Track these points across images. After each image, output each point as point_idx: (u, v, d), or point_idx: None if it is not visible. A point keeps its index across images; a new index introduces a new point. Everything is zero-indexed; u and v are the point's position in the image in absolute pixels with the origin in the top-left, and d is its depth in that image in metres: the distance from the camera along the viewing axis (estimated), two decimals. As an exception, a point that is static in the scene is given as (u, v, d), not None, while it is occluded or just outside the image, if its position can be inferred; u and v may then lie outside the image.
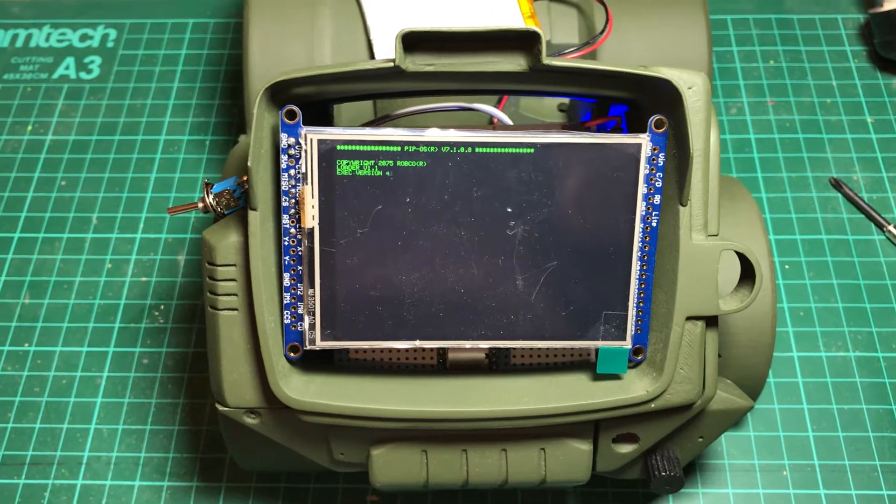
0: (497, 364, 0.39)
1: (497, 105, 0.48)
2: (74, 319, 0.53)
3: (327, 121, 0.41)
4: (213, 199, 0.38)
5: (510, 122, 0.47)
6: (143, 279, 0.54)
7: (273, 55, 0.48)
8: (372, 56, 0.48)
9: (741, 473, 0.47)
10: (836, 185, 0.56)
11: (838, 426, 0.48)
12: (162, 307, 0.53)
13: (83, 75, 0.63)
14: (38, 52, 0.64)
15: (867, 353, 0.50)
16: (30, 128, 0.60)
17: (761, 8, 0.64)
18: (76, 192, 0.58)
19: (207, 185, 0.39)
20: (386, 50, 0.48)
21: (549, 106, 0.50)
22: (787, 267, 0.53)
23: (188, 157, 0.59)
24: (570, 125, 0.40)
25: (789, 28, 0.63)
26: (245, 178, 0.38)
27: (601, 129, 0.39)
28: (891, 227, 0.54)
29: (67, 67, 0.63)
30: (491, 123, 0.48)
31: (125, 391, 0.50)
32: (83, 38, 0.65)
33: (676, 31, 0.50)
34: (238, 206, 0.39)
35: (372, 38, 0.48)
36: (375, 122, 0.44)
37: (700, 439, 0.41)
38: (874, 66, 0.61)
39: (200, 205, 0.39)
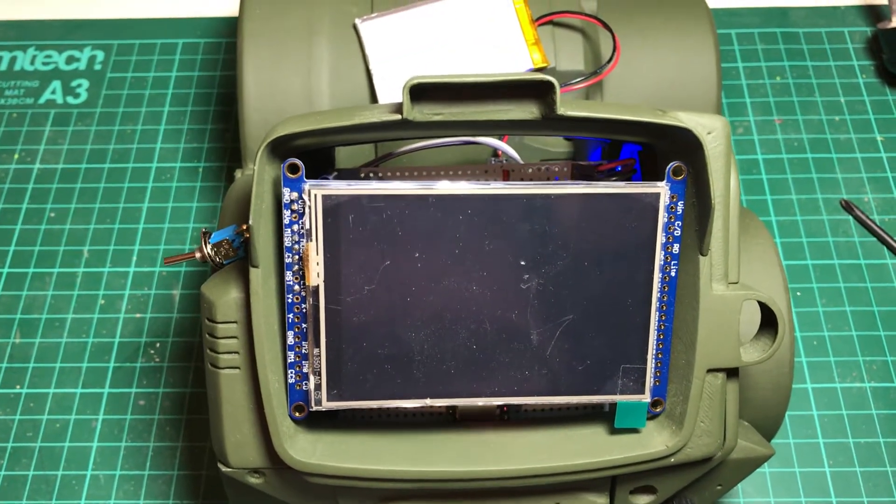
0: (509, 414, 0.38)
1: (501, 137, 0.47)
2: (67, 359, 0.51)
3: (328, 162, 0.39)
4: (211, 249, 0.37)
5: (516, 155, 0.45)
6: (138, 315, 0.53)
7: (268, 86, 0.46)
8: (372, 87, 0.46)
9: (757, 512, 0.46)
10: (848, 207, 0.55)
11: (855, 461, 0.47)
12: (158, 345, 0.52)
13: (70, 100, 0.61)
14: (23, 75, 0.62)
15: (883, 384, 0.49)
16: (16, 156, 0.59)
17: (766, 22, 0.63)
18: (66, 224, 0.56)
19: (205, 235, 0.37)
20: (385, 81, 0.46)
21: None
22: (798, 294, 0.52)
23: (181, 185, 0.57)
24: (580, 165, 0.39)
25: (795, 42, 0.62)
26: (245, 227, 0.37)
27: (613, 172, 0.37)
28: (904, 251, 0.53)
29: (54, 91, 0.61)
30: (495, 155, 0.47)
31: (122, 434, 0.49)
32: (69, 60, 0.63)
33: (685, 55, 0.49)
34: (237, 257, 0.37)
35: (371, 68, 0.46)
36: (377, 161, 0.42)
37: (719, 487, 0.39)
38: (882, 81, 0.60)
39: (198, 255, 0.37)
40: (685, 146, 0.33)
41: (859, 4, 0.63)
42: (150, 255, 0.55)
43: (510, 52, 0.47)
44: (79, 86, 0.62)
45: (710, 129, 0.34)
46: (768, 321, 0.36)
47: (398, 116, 0.31)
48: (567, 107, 0.31)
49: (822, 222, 0.54)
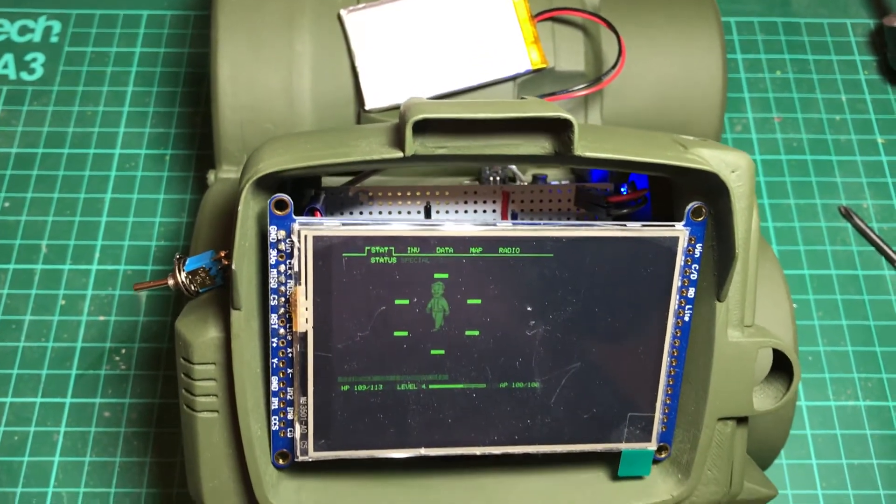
0: (505, 457, 0.35)
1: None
2: (25, 365, 0.48)
3: (314, 182, 0.36)
4: (186, 277, 0.34)
5: (512, 166, 0.42)
6: (101, 318, 0.49)
7: (245, 83, 0.42)
8: (357, 85, 0.43)
9: (749, 536, 0.45)
10: (847, 214, 0.53)
11: (848, 483, 0.46)
12: (123, 351, 0.48)
13: (24, 76, 0.56)
14: (-28, 46, 0.57)
15: (877, 403, 0.48)
16: (-35, 138, 0.54)
17: (768, 10, 0.60)
18: (22, 216, 0.52)
19: (179, 261, 0.34)
20: (372, 78, 0.43)
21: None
22: (795, 306, 0.50)
23: (146, 174, 0.53)
24: (586, 192, 0.36)
25: (796, 33, 0.59)
26: (223, 254, 0.34)
27: (623, 204, 0.35)
28: (902, 263, 0.51)
29: (6, 66, 0.57)
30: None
31: (86, 449, 0.46)
32: (23, 30, 0.58)
33: (690, 55, 0.46)
34: (214, 285, 0.34)
35: (357, 64, 0.43)
36: (366, 176, 0.39)
37: (719, 526, 0.38)
38: (884, 78, 0.58)
39: (171, 282, 0.34)
40: (707, 186, 0.31)
41: (862, -7, 0.61)
42: (113, 251, 0.51)
43: (507, 51, 0.43)
44: (33, 60, 0.57)
45: (734, 168, 0.31)
46: (780, 365, 0.34)
47: (400, 153, 0.28)
48: (585, 146, 0.29)
49: (820, 229, 0.53)
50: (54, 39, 0.58)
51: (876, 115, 0.56)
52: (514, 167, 0.42)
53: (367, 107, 0.42)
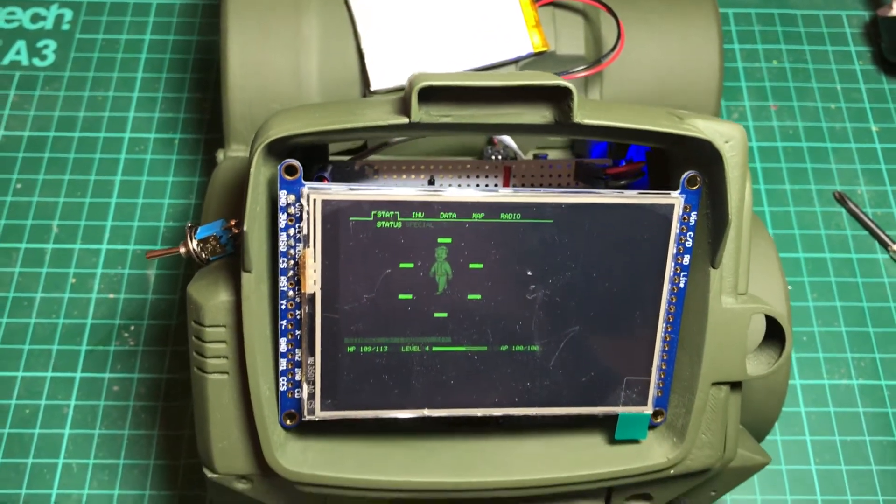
0: (504, 420, 0.37)
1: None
2: (37, 341, 0.49)
3: (322, 154, 0.37)
4: (197, 245, 0.35)
5: (514, 144, 0.44)
6: (111, 296, 0.50)
7: (254, 65, 0.44)
8: (363, 67, 0.44)
9: (743, 510, 0.46)
10: (841, 199, 0.54)
11: (841, 459, 0.47)
12: (132, 328, 0.49)
13: (37, 62, 0.58)
14: (-15, 33, 0.59)
15: (870, 381, 0.49)
16: (-21, 121, 0.55)
17: (765, 2, 0.61)
18: (34, 197, 0.53)
19: (191, 230, 0.35)
20: (377, 61, 0.44)
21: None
22: (790, 288, 0.51)
23: (155, 157, 0.55)
24: (585, 165, 0.37)
25: (793, 25, 0.60)
26: (233, 223, 0.35)
27: (621, 175, 0.36)
28: (895, 247, 0.52)
29: (18, 52, 0.58)
30: (491, 142, 0.45)
31: (95, 422, 0.47)
32: (35, 18, 0.59)
33: (687, 41, 0.47)
34: (224, 253, 0.35)
35: (363, 46, 0.44)
36: (371, 152, 0.40)
37: (713, 493, 0.39)
38: (879, 69, 0.59)
39: (182, 250, 0.35)
40: (702, 155, 0.32)
41: (857, -14, 0.62)
42: (123, 231, 0.52)
43: (509, 34, 0.44)
44: (45, 47, 0.58)
45: (727, 138, 0.32)
46: (773, 333, 0.35)
47: (405, 119, 0.29)
48: (584, 114, 0.30)
49: (814, 214, 0.54)
50: (66, 27, 0.59)
51: (870, 103, 0.57)
52: (515, 146, 0.43)
53: (373, 87, 0.44)
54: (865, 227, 0.53)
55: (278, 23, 0.44)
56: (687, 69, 0.47)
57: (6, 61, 0.57)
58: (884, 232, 0.53)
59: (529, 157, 0.44)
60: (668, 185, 0.34)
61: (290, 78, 0.44)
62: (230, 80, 0.43)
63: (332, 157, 0.38)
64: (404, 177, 0.37)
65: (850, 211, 0.54)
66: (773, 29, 0.60)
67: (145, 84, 0.57)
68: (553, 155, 0.44)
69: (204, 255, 0.35)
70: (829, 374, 0.49)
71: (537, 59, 0.45)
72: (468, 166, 0.38)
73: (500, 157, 0.43)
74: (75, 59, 0.58)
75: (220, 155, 0.44)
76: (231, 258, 0.35)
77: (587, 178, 0.37)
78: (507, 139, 0.43)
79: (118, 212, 0.53)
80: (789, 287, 0.51)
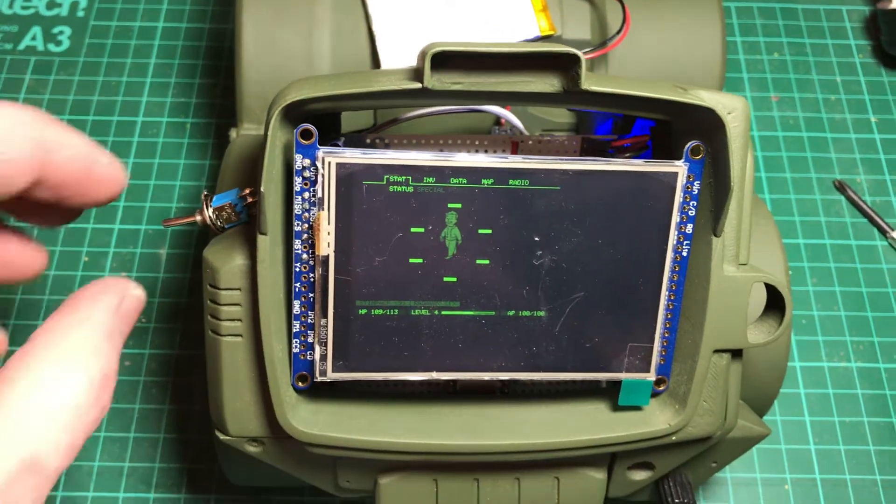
0: (510, 388, 0.37)
1: (504, 106, 0.46)
2: (49, 317, 0.50)
3: (334, 127, 0.38)
4: (213, 213, 0.36)
5: (520, 124, 0.44)
6: (123, 274, 0.51)
7: (268, 46, 0.45)
8: (374, 49, 0.45)
9: (743, 488, 0.46)
10: (841, 187, 0.55)
11: (840, 439, 0.48)
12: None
13: (52, 47, 0.59)
14: (1, 19, 0.60)
15: (869, 364, 0.50)
16: (-6, 104, 0.56)
17: (766, -4, 0.63)
18: (47, 178, 0.54)
19: (206, 198, 0.36)
20: (389, 43, 0.45)
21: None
22: (790, 273, 0.52)
23: (168, 140, 0.56)
24: (591, 140, 0.38)
25: (794, 18, 0.61)
26: (248, 191, 0.36)
27: (625, 148, 0.37)
28: (893, 234, 0.53)
29: (34, 38, 0.59)
30: (498, 124, 0.46)
31: (106, 396, 0.48)
32: (50, 5, 0.61)
33: (691, 28, 0.48)
34: (239, 221, 0.36)
35: (374, 28, 0.45)
36: (382, 127, 0.41)
37: (713, 464, 0.40)
38: (878, 62, 0.60)
39: (198, 218, 0.36)
40: (705, 125, 0.33)
41: (857, -18, 0.63)
42: (135, 212, 0.53)
43: (517, 18, 0.46)
44: (60, 33, 0.59)
45: (730, 109, 0.33)
46: (774, 303, 0.36)
47: (418, 85, 0.30)
48: (591, 82, 0.31)
49: (814, 202, 0.55)
50: (80, 14, 0.60)
51: (870, 95, 0.58)
52: (521, 126, 0.44)
53: (383, 68, 0.45)
54: (864, 214, 0.54)
55: (291, 5, 0.45)
56: (690, 57, 0.48)
57: (22, 46, 0.59)
58: (882, 219, 0.54)
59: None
60: (671, 158, 0.35)
61: (302, 58, 0.45)
62: (244, 58, 0.44)
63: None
64: (415, 149, 0.38)
65: (849, 199, 0.55)
66: (775, 23, 0.61)
67: (158, 70, 0.58)
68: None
69: (219, 223, 0.36)
70: (828, 356, 0.50)
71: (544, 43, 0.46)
72: (477, 141, 0.39)
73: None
74: (90, 45, 0.59)
75: (233, 133, 0.45)
76: (246, 226, 0.35)
77: (593, 153, 0.38)
78: (514, 120, 0.44)
79: (131, 193, 0.54)
80: (790, 272, 0.52)
